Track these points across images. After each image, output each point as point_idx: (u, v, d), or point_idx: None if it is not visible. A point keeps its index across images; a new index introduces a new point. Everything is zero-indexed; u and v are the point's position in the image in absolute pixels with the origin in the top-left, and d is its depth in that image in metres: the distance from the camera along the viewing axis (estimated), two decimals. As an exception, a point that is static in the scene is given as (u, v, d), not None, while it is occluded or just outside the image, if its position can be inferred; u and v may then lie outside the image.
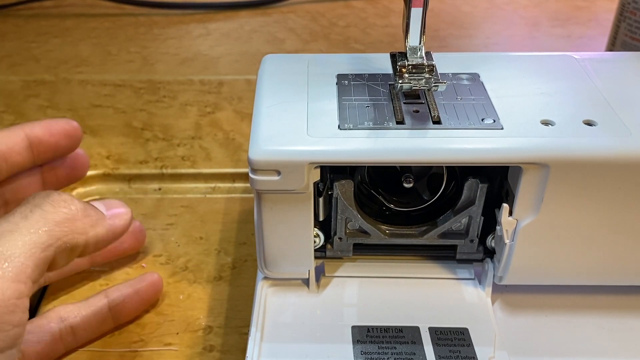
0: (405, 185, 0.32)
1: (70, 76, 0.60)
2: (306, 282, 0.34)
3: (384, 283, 0.34)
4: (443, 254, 0.35)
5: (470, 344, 0.31)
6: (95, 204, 0.30)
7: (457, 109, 0.31)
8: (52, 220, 0.27)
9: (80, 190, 0.46)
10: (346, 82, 0.33)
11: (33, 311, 0.36)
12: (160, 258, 0.40)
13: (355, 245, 0.34)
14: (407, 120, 0.30)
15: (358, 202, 0.33)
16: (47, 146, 0.35)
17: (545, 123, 0.30)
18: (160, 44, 0.67)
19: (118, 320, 0.35)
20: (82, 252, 0.29)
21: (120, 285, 0.35)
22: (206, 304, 0.37)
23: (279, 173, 0.29)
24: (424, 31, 0.31)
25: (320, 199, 0.32)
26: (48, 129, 0.35)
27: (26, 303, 0.25)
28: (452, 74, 0.34)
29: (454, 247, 0.34)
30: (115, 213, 0.31)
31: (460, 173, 0.33)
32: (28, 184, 0.36)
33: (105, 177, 0.47)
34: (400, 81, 0.30)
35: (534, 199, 0.30)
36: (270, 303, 0.33)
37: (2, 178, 0.34)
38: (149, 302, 0.36)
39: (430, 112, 0.31)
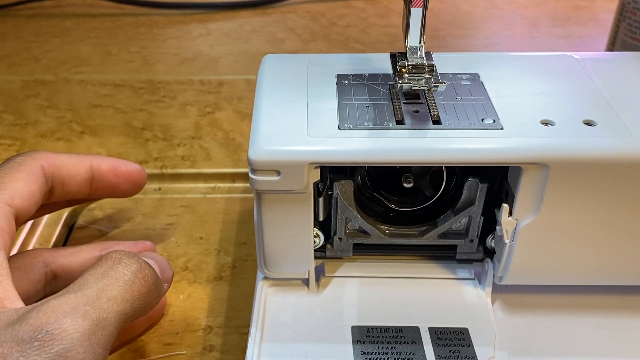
0: (405, 185, 0.32)
1: (70, 76, 0.60)
2: (306, 282, 0.34)
3: (384, 283, 0.34)
4: (443, 254, 0.35)
5: (470, 344, 0.31)
6: (148, 260, 0.30)
7: (457, 109, 0.31)
8: (137, 292, 0.27)
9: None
10: (346, 82, 0.33)
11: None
12: (160, 258, 0.40)
13: (355, 245, 0.34)
14: (407, 120, 0.30)
15: (358, 202, 0.33)
16: (107, 184, 0.35)
17: (545, 123, 0.30)
18: (160, 44, 0.67)
19: (123, 339, 0.34)
20: None
21: None
22: (206, 304, 0.37)
23: (278, 173, 0.29)
24: (424, 31, 0.31)
25: (320, 199, 0.32)
26: (114, 169, 0.35)
27: None
28: (452, 74, 0.34)
29: (454, 247, 0.34)
30: (166, 278, 0.32)
31: (460, 173, 0.33)
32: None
33: (105, 177, 0.47)
34: (400, 81, 0.30)
35: (534, 199, 0.30)
36: (270, 303, 0.33)
37: (53, 200, 0.34)
38: (154, 319, 0.35)
39: (430, 112, 0.31)
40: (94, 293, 0.25)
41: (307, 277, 0.34)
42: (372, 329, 0.32)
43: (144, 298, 0.27)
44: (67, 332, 0.23)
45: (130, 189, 0.37)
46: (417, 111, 0.31)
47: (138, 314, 0.27)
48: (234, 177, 0.47)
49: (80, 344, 0.24)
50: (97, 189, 0.35)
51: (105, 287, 0.26)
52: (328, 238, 0.34)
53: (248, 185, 0.43)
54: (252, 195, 0.39)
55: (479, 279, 0.34)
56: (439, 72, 0.31)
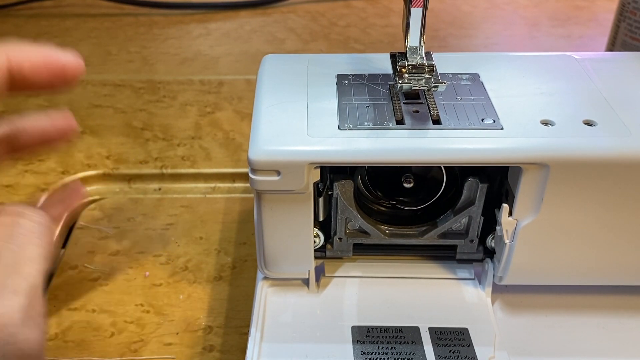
0: (405, 185, 0.32)
1: (70, 76, 0.60)
2: (306, 282, 0.34)
3: (384, 283, 0.34)
4: (443, 254, 0.35)
5: (470, 344, 0.31)
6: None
7: (457, 109, 0.31)
8: (48, 243, 0.25)
9: (80, 190, 0.46)
10: (346, 82, 0.33)
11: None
12: (160, 258, 0.40)
13: (355, 245, 0.34)
14: (407, 120, 0.30)
15: (358, 202, 0.33)
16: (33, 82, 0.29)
17: (545, 123, 0.30)
18: (160, 44, 0.67)
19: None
20: None
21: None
22: (206, 304, 0.37)
23: (278, 173, 0.29)
24: (423, 31, 0.31)
25: (320, 199, 0.32)
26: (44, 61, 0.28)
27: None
28: (452, 74, 0.34)
29: (454, 247, 0.34)
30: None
31: (460, 173, 0.33)
32: None
33: (105, 177, 0.47)
34: (400, 81, 0.30)
35: (534, 199, 0.30)
36: (270, 303, 0.33)
37: None
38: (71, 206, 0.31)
39: (430, 112, 0.30)
40: (12, 260, 0.23)
41: (307, 277, 0.34)
42: (372, 329, 0.32)
43: (51, 247, 0.25)
44: (6, 316, 0.21)
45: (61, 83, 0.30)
46: (417, 111, 0.31)
47: (50, 265, 0.25)
48: (234, 177, 0.47)
49: (23, 323, 0.21)
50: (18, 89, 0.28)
51: (19, 249, 0.23)
52: (328, 238, 0.34)
53: (248, 185, 0.43)
54: (252, 195, 0.39)
55: (479, 279, 0.34)
56: (439, 72, 0.31)
